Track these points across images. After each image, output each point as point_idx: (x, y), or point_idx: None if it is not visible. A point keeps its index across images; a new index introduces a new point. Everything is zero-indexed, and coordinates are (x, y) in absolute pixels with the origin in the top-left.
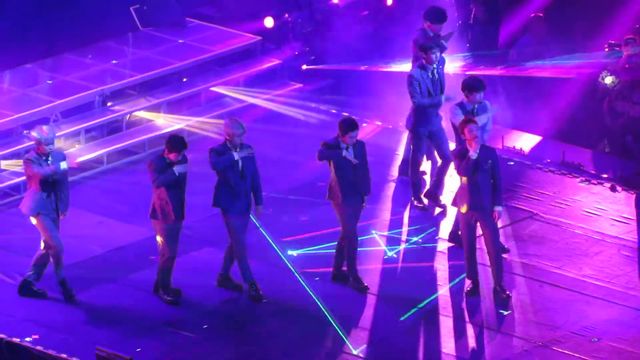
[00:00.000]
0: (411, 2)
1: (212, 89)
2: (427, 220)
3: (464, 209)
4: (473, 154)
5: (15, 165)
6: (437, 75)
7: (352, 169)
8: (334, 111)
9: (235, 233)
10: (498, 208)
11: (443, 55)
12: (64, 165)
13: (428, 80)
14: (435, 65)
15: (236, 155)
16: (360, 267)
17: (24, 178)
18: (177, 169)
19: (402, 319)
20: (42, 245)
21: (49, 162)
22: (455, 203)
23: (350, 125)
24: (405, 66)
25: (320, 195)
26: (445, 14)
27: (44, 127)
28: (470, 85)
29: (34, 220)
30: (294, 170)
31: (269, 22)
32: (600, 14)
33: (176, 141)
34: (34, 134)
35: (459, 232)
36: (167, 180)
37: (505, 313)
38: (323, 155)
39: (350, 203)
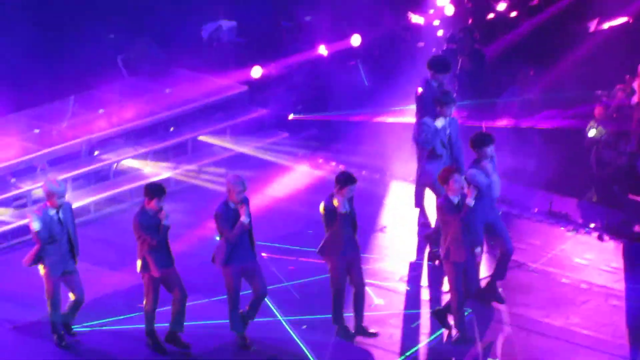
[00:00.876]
0: (399, 54)
1: (200, 138)
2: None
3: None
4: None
5: (3, 212)
6: (448, 130)
7: (351, 223)
8: (320, 160)
9: (233, 283)
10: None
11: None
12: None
13: (442, 132)
14: (447, 120)
15: (246, 220)
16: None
17: (11, 226)
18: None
19: None
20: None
21: (59, 215)
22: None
23: (349, 179)
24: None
25: (310, 243)
26: (450, 63)
27: (57, 179)
28: (480, 140)
29: (42, 271)
30: (283, 217)
31: (256, 72)
32: (588, 65)
33: (155, 187)
34: (48, 186)
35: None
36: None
37: None
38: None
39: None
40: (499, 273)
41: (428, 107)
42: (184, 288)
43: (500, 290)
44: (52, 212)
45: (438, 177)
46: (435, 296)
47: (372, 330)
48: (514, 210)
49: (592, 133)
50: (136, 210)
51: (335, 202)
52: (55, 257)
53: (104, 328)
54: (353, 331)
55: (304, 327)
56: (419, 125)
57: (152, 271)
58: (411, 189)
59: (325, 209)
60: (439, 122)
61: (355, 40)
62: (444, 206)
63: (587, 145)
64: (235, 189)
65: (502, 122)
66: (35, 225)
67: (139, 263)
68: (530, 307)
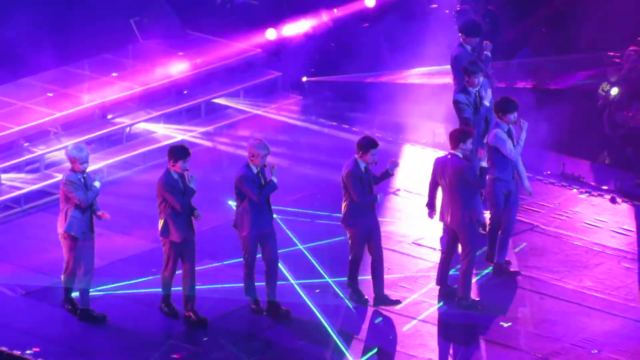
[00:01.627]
0: (413, 14)
1: (214, 100)
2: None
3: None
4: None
5: (16, 177)
6: (479, 100)
7: (370, 190)
8: (333, 123)
9: (250, 248)
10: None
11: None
12: (98, 184)
13: (471, 106)
14: (478, 89)
15: (275, 180)
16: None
17: (24, 191)
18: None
19: (404, 329)
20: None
21: (84, 181)
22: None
23: (370, 143)
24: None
25: (321, 207)
26: (480, 26)
27: (80, 145)
28: (504, 106)
29: (64, 239)
30: (294, 181)
31: (271, 34)
32: (600, 26)
33: (180, 149)
34: (70, 152)
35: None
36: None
37: (506, 325)
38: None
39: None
40: (500, 254)
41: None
42: (194, 261)
43: (514, 253)
44: (79, 176)
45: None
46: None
47: (394, 298)
48: (526, 173)
49: (614, 91)
50: (161, 173)
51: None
52: (84, 223)
53: (117, 292)
54: (374, 298)
55: (317, 291)
56: (454, 104)
57: (172, 236)
58: (424, 151)
59: (351, 174)
60: (486, 101)
61: (370, 1)
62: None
63: (600, 107)
64: (260, 153)
65: (516, 84)
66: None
67: (160, 225)
68: (543, 270)
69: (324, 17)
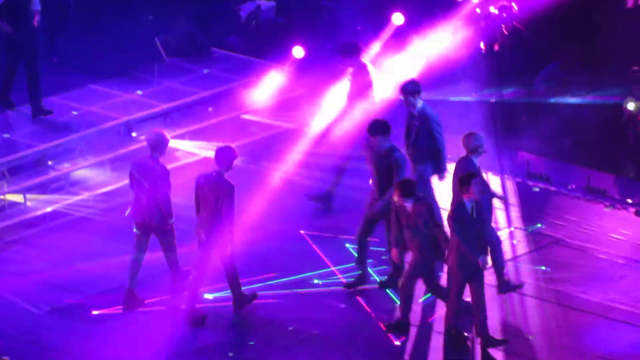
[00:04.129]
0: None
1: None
2: None
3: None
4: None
5: (40, 196)
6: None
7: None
8: None
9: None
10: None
11: None
12: None
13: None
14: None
15: None
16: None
17: (49, 209)
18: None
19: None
20: None
21: None
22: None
23: (471, 176)
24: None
25: None
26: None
27: (156, 130)
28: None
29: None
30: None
31: (298, 52)
32: (627, 40)
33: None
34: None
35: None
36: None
37: (531, 338)
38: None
39: None
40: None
41: None
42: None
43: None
44: None
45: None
46: None
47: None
48: (551, 187)
49: (631, 106)
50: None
51: None
52: None
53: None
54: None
55: (343, 306)
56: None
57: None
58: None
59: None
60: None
61: (397, 19)
62: None
63: (625, 121)
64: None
65: (540, 98)
66: None
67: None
68: (568, 283)
69: None
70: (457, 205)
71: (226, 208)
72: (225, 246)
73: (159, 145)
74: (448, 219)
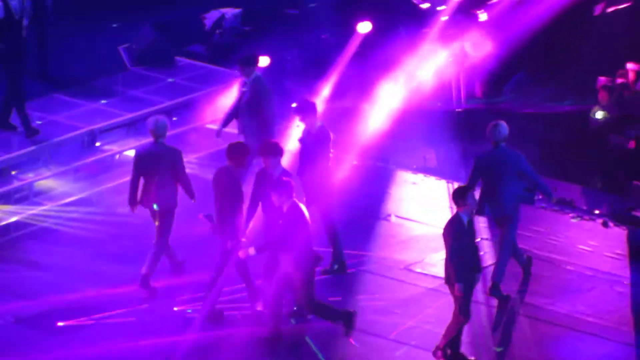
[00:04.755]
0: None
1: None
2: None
3: None
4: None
5: (4, 206)
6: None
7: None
8: None
9: None
10: None
11: None
12: None
13: None
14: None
15: None
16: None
17: (13, 220)
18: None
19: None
20: None
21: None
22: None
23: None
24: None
25: None
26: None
27: (157, 118)
28: None
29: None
30: None
31: (263, 61)
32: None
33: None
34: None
35: None
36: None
37: (498, 350)
38: None
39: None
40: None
41: None
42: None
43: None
44: None
45: None
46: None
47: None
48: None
49: (599, 115)
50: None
51: None
52: None
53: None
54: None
55: None
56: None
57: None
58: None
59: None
60: None
61: (363, 27)
62: None
63: (592, 131)
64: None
65: (508, 108)
66: None
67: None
68: (536, 295)
69: None
70: (453, 219)
71: (228, 202)
72: (238, 238)
73: (161, 131)
74: (444, 235)
